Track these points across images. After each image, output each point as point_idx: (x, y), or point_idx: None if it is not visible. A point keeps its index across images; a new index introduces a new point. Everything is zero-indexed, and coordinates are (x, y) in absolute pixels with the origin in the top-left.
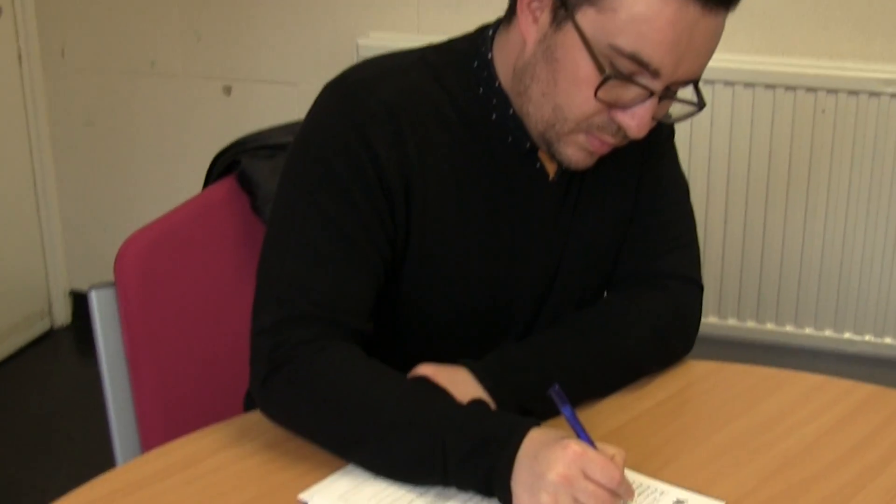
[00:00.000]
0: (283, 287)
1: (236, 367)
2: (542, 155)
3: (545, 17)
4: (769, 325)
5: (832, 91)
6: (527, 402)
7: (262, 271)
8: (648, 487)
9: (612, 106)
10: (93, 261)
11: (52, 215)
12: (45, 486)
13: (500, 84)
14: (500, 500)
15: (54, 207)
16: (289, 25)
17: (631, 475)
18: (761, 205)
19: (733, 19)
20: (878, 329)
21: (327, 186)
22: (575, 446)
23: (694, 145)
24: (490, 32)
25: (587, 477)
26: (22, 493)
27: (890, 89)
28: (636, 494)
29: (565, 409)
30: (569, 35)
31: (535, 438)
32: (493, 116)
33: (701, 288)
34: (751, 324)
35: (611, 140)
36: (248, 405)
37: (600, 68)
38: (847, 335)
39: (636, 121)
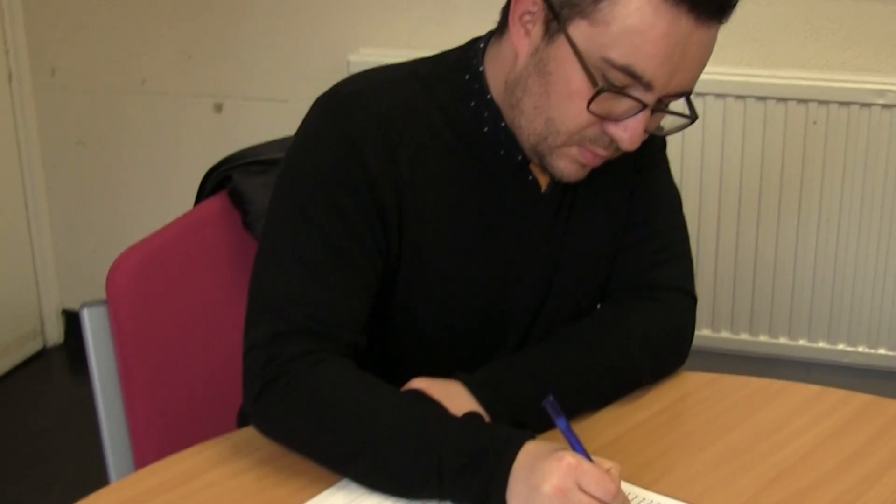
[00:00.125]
0: (276, 301)
1: (229, 384)
2: (535, 167)
3: (537, 30)
4: (763, 337)
5: (823, 102)
6: (521, 415)
7: (254, 285)
8: (644, 499)
9: (604, 118)
10: (85, 279)
11: (43, 234)
12: None
13: (491, 97)
14: None
15: (45, 226)
16: (279, 42)
17: (626, 487)
18: (754, 217)
19: (724, 32)
20: (872, 340)
21: (320, 200)
22: (570, 458)
23: (686, 158)
24: (481, 45)
25: (582, 489)
26: None
27: (881, 100)
28: None
29: (560, 422)
30: (561, 48)
31: (531, 451)
32: (485, 129)
33: (694, 299)
34: (744, 336)
35: (603, 153)
36: (242, 422)
37: (593, 81)
38: (841, 346)
39: (629, 133)
